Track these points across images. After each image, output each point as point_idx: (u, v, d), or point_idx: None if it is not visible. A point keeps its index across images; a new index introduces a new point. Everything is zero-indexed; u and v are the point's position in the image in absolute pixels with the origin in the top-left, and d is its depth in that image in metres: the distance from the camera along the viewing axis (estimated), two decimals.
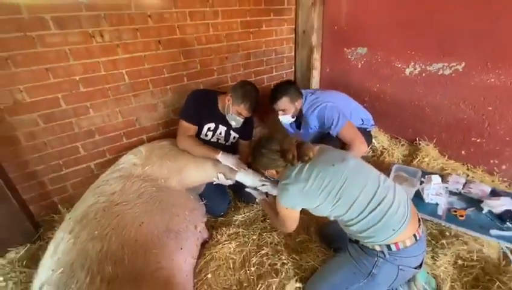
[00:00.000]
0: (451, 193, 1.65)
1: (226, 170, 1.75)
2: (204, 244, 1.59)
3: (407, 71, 2.08)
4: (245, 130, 1.95)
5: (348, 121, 1.82)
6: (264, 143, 1.25)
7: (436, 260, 1.41)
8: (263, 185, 1.71)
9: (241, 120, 1.78)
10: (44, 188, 1.77)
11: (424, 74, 2.00)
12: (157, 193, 1.52)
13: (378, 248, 1.04)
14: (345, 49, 2.46)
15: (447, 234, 1.51)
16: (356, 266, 1.09)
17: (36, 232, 1.67)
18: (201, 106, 1.76)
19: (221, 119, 1.82)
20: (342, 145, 1.84)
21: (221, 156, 1.70)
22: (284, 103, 1.83)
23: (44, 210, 1.79)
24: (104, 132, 1.86)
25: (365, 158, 2.17)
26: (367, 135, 2.09)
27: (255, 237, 1.62)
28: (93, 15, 1.57)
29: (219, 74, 2.24)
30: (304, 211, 1.25)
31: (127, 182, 1.52)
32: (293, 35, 2.62)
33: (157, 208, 1.43)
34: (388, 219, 1.02)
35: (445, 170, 1.95)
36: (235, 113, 1.74)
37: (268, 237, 1.60)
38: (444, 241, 1.47)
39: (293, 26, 2.58)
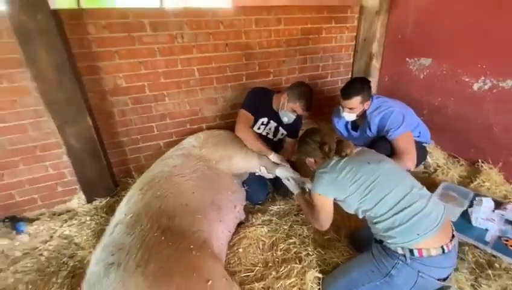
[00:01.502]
0: (508, 222, 1.49)
1: (269, 164, 1.92)
2: (240, 224, 1.79)
3: (476, 86, 1.92)
4: (293, 128, 2.08)
5: (410, 132, 1.78)
6: (309, 133, 1.39)
7: (477, 289, 1.31)
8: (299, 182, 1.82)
9: (293, 117, 1.91)
10: (125, 156, 2.21)
11: (495, 90, 1.82)
12: (208, 172, 1.78)
13: (400, 251, 1.06)
14: (407, 59, 2.37)
15: (496, 265, 1.38)
16: (375, 265, 1.12)
17: (115, 189, 2.11)
18: (259, 100, 1.96)
19: (274, 116, 2.00)
20: (390, 155, 1.81)
21: (272, 156, 1.88)
22: (354, 102, 1.77)
23: (122, 174, 2.24)
24: (173, 117, 2.22)
25: (415, 173, 2.07)
26: (422, 150, 2.00)
27: (286, 227, 1.74)
28: (178, 20, 1.93)
29: (275, 76, 2.43)
30: (336, 211, 1.33)
31: (186, 159, 1.82)
32: (353, 43, 2.64)
33: (206, 184, 1.68)
34: (414, 223, 1.04)
35: (509, 198, 1.73)
36: (290, 110, 1.88)
37: (298, 229, 1.70)
38: (490, 271, 1.35)
39: (354, 34, 2.60)
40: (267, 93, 2.02)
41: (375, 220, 1.14)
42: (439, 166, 2.09)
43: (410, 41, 2.32)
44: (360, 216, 1.23)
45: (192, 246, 1.25)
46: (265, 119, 2.01)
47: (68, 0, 5.06)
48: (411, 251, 1.04)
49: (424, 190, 1.15)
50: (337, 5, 2.45)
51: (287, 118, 1.92)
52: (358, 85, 1.77)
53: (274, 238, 1.66)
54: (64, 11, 1.67)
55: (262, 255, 1.57)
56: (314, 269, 1.40)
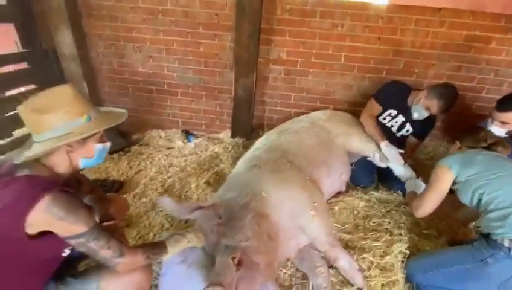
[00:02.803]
0: None
1: (383, 154, 2.05)
2: (339, 194, 2.05)
3: None
4: (422, 129, 2.09)
5: None
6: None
7: None
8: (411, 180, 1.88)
9: (425, 115, 1.93)
10: (264, 113, 2.83)
11: None
12: (326, 140, 2.11)
13: (506, 243, 1.08)
14: None
15: None
16: (471, 251, 1.17)
17: (250, 135, 2.77)
18: (394, 92, 2.08)
19: (404, 110, 2.07)
20: None
21: (384, 144, 1.97)
22: (510, 116, 1.66)
23: (257, 126, 2.87)
24: (309, 92, 2.65)
25: None
26: None
27: (383, 210, 1.88)
28: (343, 12, 2.28)
29: (418, 77, 2.44)
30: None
31: (312, 125, 2.21)
32: None
33: (323, 147, 2.02)
34: None
35: None
36: (424, 106, 1.90)
37: (395, 215, 1.80)
38: None
39: None
40: (405, 87, 2.10)
41: (491, 207, 1.17)
42: None
43: None
44: (473, 203, 1.27)
45: (307, 178, 1.64)
46: (394, 112, 2.12)
47: None
48: None
49: None
50: None
51: (418, 113, 1.96)
52: None
53: (369, 212, 1.85)
54: None
55: (355, 220, 1.80)
56: (404, 243, 1.52)
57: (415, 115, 1.99)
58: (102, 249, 0.92)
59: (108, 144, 1.04)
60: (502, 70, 2.34)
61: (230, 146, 2.66)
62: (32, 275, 0.93)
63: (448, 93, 1.84)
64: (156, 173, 2.28)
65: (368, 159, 2.17)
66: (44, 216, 0.82)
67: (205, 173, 2.29)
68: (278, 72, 2.60)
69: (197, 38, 2.53)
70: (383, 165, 2.06)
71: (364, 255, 1.46)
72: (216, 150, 2.61)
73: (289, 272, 1.45)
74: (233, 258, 1.14)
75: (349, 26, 2.32)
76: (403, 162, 1.94)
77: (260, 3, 2.20)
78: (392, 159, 1.93)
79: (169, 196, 1.99)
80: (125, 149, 2.65)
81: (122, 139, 2.74)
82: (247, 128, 2.76)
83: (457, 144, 1.49)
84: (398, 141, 2.18)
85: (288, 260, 1.49)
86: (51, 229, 0.86)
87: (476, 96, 2.47)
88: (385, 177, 2.19)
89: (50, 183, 0.86)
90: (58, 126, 0.87)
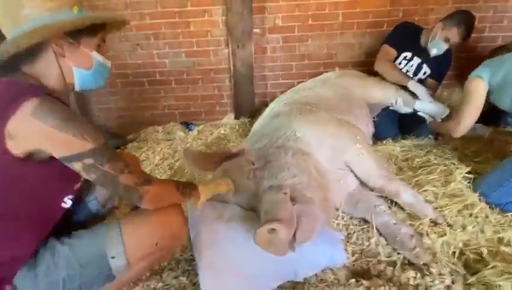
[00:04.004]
0: None
1: (407, 98, 1.92)
2: None
3: None
4: (439, 67, 1.99)
5: None
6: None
7: None
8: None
9: (445, 47, 1.83)
10: (266, 89, 2.67)
11: None
12: (344, 92, 1.95)
13: None
14: None
15: None
16: None
17: (252, 111, 2.57)
18: (406, 34, 1.98)
19: (419, 51, 1.97)
20: None
21: (411, 83, 1.85)
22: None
23: (261, 104, 2.69)
24: (311, 59, 2.53)
25: None
26: None
27: (421, 152, 1.69)
28: None
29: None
30: None
31: (323, 83, 2.07)
32: None
33: (342, 98, 1.86)
34: None
35: None
36: (442, 38, 1.80)
37: (440, 152, 1.61)
38: None
39: None
40: (416, 27, 2.01)
41: None
42: None
43: None
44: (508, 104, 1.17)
45: (340, 118, 1.45)
46: (408, 54, 2.01)
47: None
48: None
49: None
50: None
51: (437, 49, 1.86)
52: None
53: (408, 155, 1.66)
54: None
55: (396, 164, 1.60)
56: (463, 169, 1.34)
57: (434, 51, 1.89)
58: (121, 174, 0.67)
59: (108, 63, 0.82)
60: (500, 5, 2.32)
61: (237, 125, 2.46)
62: (22, 229, 0.67)
63: (465, 18, 1.76)
64: (160, 160, 2.03)
65: (388, 109, 2.03)
66: (32, 123, 0.58)
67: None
68: (276, 41, 2.47)
69: (186, 17, 2.39)
70: (408, 110, 1.93)
71: (425, 187, 1.26)
72: (222, 131, 2.40)
73: (342, 222, 1.22)
74: (284, 194, 0.91)
75: None
76: (432, 99, 1.80)
77: None
78: (422, 96, 1.81)
79: (180, 177, 1.74)
80: (121, 148, 2.39)
81: (116, 139, 2.49)
82: (251, 107, 2.58)
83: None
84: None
85: (337, 210, 1.26)
86: (44, 147, 0.61)
87: (479, 37, 2.42)
88: (407, 130, 2.05)
89: (39, 88, 0.63)
90: (43, 16, 0.65)
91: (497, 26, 2.38)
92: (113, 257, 0.73)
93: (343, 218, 1.23)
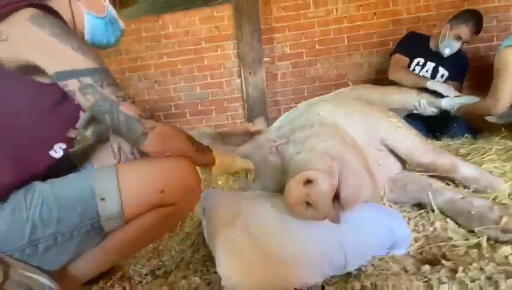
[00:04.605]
0: None
1: (430, 98, 1.83)
2: None
3: None
4: (458, 67, 1.93)
5: None
6: None
7: None
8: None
9: (457, 45, 1.81)
10: (279, 114, 2.64)
11: None
12: (362, 99, 1.88)
13: None
14: None
15: None
16: None
17: None
18: (414, 41, 2.00)
19: (431, 56, 1.95)
20: None
21: (430, 83, 1.78)
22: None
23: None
24: (322, 80, 2.56)
25: None
26: None
27: (462, 150, 1.49)
28: None
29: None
30: None
31: (337, 95, 2.03)
32: None
33: (362, 102, 1.78)
34: None
35: None
36: (453, 36, 1.78)
37: (485, 143, 1.42)
38: None
39: None
40: (423, 35, 2.05)
41: None
42: None
43: None
44: None
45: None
46: (421, 60, 1.99)
47: None
48: None
49: None
50: None
51: (450, 48, 1.83)
52: None
53: (449, 149, 1.47)
54: None
55: None
56: None
57: (447, 51, 1.86)
58: (123, 102, 0.57)
59: (122, 23, 0.80)
60: (501, 15, 2.38)
61: None
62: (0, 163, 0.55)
63: (471, 14, 1.78)
64: None
65: (413, 114, 1.92)
66: (29, 27, 0.52)
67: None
68: (286, 67, 2.56)
69: (200, 53, 2.57)
70: (434, 110, 1.80)
71: (484, 166, 1.05)
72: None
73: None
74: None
75: (343, 9, 2.43)
76: (457, 92, 1.70)
77: (257, 4, 2.33)
78: (446, 91, 1.71)
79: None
80: None
81: None
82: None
83: None
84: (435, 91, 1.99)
85: (382, 198, 1.05)
86: (37, 59, 0.53)
87: (489, 46, 2.43)
88: (440, 133, 1.90)
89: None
90: None
91: (504, 34, 2.39)
92: (102, 199, 0.56)
93: (390, 206, 1.01)
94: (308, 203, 0.65)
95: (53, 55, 0.54)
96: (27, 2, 0.54)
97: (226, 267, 0.65)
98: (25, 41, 0.53)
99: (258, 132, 1.01)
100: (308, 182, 0.63)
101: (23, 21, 0.53)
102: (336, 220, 0.68)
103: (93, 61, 0.57)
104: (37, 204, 0.54)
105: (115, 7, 0.78)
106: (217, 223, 0.75)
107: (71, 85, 0.55)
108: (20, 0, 0.54)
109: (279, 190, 0.89)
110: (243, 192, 0.93)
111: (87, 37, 0.73)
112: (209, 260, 0.87)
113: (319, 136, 0.89)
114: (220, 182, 1.66)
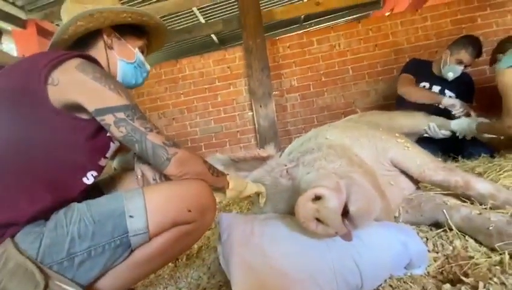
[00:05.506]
0: None
1: (440, 121, 1.84)
2: None
3: None
4: (464, 89, 1.97)
5: None
6: None
7: None
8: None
9: (460, 69, 1.86)
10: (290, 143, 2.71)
11: None
12: (371, 124, 1.93)
13: None
14: None
15: None
16: None
17: None
18: (418, 66, 2.07)
19: (435, 80, 2.00)
20: None
21: (446, 99, 1.80)
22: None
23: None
24: (330, 109, 2.65)
25: None
26: None
27: (478, 169, 1.47)
28: (336, 35, 2.61)
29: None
30: None
31: (346, 121, 2.09)
32: None
33: (370, 127, 1.83)
34: None
35: None
36: (454, 61, 1.85)
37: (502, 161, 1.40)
38: None
39: None
40: (424, 61, 2.12)
41: None
42: None
43: None
44: None
45: None
46: (426, 84, 2.04)
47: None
48: None
49: None
50: None
51: (453, 72, 1.88)
52: None
53: (466, 168, 1.45)
54: (267, 37, 2.72)
55: None
56: None
57: (450, 75, 1.91)
58: (151, 132, 0.66)
59: (148, 66, 0.93)
60: (501, 29, 2.46)
61: None
62: (37, 187, 0.63)
63: (469, 39, 1.85)
64: None
65: (425, 137, 1.92)
66: (75, 73, 0.64)
67: (245, 202, 1.95)
68: (294, 99, 2.69)
69: (215, 91, 2.78)
70: (445, 133, 1.80)
71: (500, 182, 1.04)
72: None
73: None
74: None
75: (346, 43, 2.60)
76: (471, 111, 1.72)
77: (264, 44, 2.55)
78: (462, 107, 1.74)
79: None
80: None
81: None
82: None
83: None
84: (445, 114, 2.00)
85: (397, 219, 1.04)
86: (81, 99, 0.65)
87: (494, 68, 2.46)
88: (452, 154, 1.88)
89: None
90: (97, 8, 0.79)
91: None
92: (131, 216, 0.63)
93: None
94: (318, 220, 0.67)
95: (93, 95, 0.66)
96: (74, 53, 0.68)
97: (240, 287, 0.67)
98: (72, 85, 0.65)
99: (269, 157, 1.07)
100: (317, 198, 0.66)
101: (71, 68, 0.65)
102: (347, 237, 0.70)
103: (126, 99, 0.68)
104: (75, 221, 0.61)
105: (143, 53, 0.93)
106: (231, 244, 0.78)
107: (107, 119, 0.66)
108: (70, 52, 0.68)
109: (291, 211, 0.92)
110: (256, 215, 0.96)
111: (119, 78, 0.86)
112: (225, 286, 0.88)
113: (327, 157, 0.93)
114: (235, 211, 1.68)
